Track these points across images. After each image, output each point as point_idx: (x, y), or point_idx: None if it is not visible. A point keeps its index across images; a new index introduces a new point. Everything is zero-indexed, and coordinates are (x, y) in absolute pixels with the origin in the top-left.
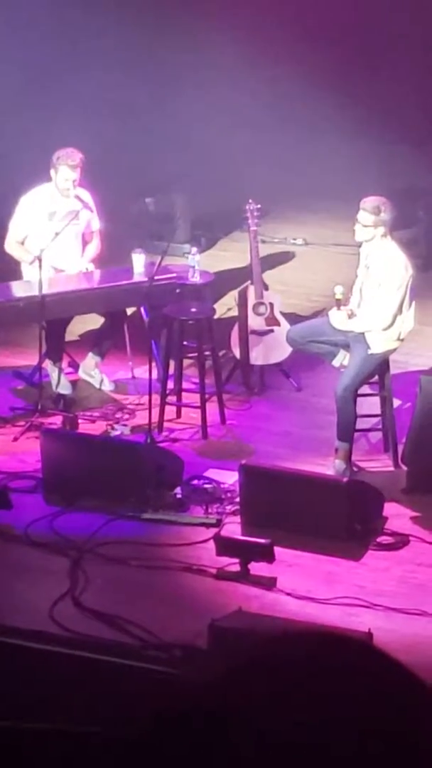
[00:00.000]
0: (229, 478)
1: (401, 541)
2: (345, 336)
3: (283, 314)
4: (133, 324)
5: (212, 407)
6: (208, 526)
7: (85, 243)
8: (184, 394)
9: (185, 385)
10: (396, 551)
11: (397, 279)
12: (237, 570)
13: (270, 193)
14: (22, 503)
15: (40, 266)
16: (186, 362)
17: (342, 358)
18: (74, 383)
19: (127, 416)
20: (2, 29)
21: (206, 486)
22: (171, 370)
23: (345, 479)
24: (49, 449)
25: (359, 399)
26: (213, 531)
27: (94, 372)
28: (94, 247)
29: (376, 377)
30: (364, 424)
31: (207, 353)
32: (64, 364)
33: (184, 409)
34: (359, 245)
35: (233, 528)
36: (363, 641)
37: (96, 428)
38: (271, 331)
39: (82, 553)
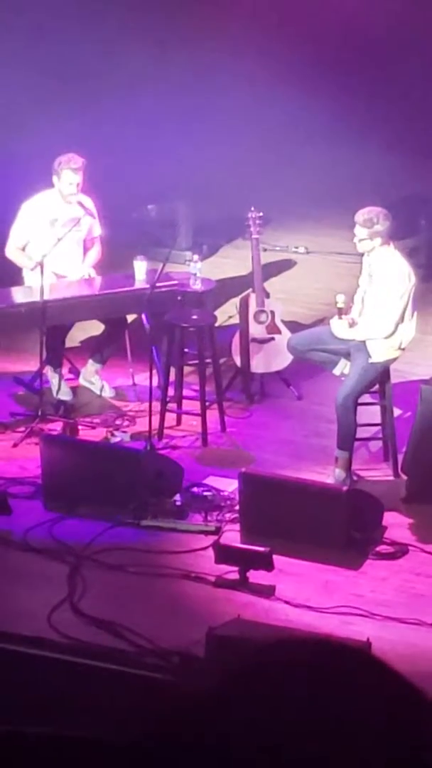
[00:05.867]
0: (229, 486)
1: (400, 550)
2: (346, 345)
3: (284, 322)
4: (134, 331)
5: (212, 415)
6: (207, 533)
7: (85, 249)
8: (184, 401)
9: (186, 392)
10: (395, 560)
11: (399, 288)
12: (236, 578)
13: (272, 201)
14: (22, 509)
15: (42, 272)
16: (187, 369)
17: (343, 367)
18: (75, 389)
19: (127, 423)
20: (9, 36)
21: (206, 493)
22: (171, 377)
23: (344, 488)
24: (48, 455)
25: (359, 408)
26: (212, 539)
27: (94, 379)
28: (95, 253)
29: (377, 386)
30: (364, 433)
31: (208, 361)
32: (65, 370)
33: (184, 417)
34: (361, 254)
35: (232, 536)
36: (361, 650)
37: (96, 435)
38: (272, 339)
39: (80, 559)
